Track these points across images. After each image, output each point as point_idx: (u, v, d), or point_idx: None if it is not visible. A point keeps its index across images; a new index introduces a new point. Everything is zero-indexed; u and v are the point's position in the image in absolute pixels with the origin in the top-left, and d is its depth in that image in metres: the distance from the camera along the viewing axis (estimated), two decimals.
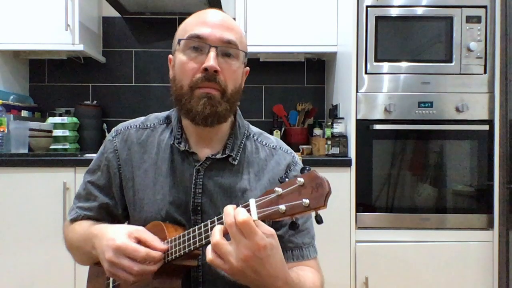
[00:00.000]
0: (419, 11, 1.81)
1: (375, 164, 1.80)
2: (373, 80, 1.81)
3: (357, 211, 1.79)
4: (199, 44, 0.77)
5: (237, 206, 0.63)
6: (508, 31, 1.77)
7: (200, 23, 0.79)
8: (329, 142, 1.92)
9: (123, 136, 0.89)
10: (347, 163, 1.79)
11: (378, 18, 1.80)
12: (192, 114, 0.78)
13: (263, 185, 0.85)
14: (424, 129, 1.80)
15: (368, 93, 1.81)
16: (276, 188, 0.60)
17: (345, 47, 1.97)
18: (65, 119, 2.17)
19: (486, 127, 1.79)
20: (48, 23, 2.05)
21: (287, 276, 0.65)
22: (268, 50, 2.13)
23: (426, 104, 1.79)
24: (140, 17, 2.43)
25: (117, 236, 0.72)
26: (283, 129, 2.39)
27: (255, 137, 0.91)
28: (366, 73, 1.81)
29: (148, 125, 0.90)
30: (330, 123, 1.96)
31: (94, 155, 0.95)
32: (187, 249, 0.70)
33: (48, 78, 2.43)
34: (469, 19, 1.80)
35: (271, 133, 2.24)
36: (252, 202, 0.61)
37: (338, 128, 1.87)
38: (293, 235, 0.84)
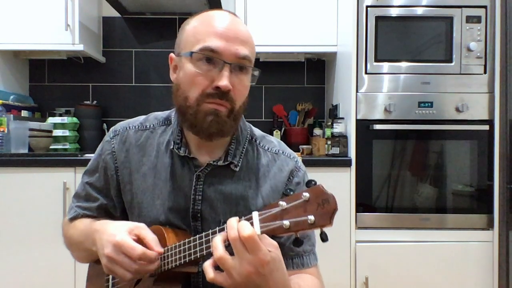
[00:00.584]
0: (419, 11, 1.81)
1: (375, 164, 1.80)
2: (373, 80, 1.81)
3: (357, 211, 1.79)
4: (212, 58, 0.73)
5: (240, 217, 0.61)
6: (508, 31, 1.77)
7: (213, 33, 0.74)
8: (329, 142, 1.92)
9: (122, 137, 0.87)
10: (347, 163, 1.79)
11: (378, 18, 1.80)
12: (197, 130, 0.76)
13: (264, 192, 0.83)
14: (424, 129, 1.80)
15: (368, 93, 1.81)
16: (281, 202, 0.57)
17: (345, 47, 1.97)
18: (65, 119, 2.17)
19: (486, 127, 1.79)
20: (48, 23, 2.05)
21: None
22: (268, 50, 2.13)
23: (426, 104, 1.79)
24: (140, 17, 2.43)
25: (118, 232, 0.71)
26: (283, 129, 2.39)
27: (257, 142, 0.88)
28: (366, 73, 1.81)
29: (148, 126, 0.88)
30: (330, 123, 1.97)
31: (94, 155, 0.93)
32: (187, 258, 0.69)
33: (48, 78, 2.43)
34: (469, 19, 1.80)
35: (271, 133, 2.24)
36: (256, 216, 0.59)
37: (338, 128, 1.87)
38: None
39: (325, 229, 0.56)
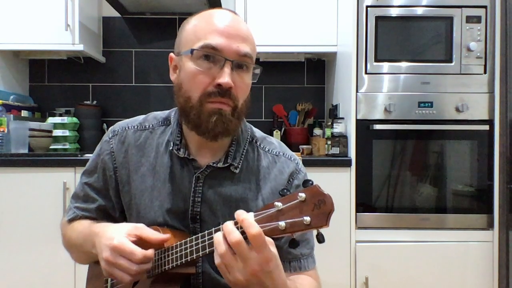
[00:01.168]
0: (419, 11, 1.81)
1: (375, 164, 1.80)
2: (373, 80, 1.81)
3: (357, 211, 1.79)
4: (213, 55, 0.73)
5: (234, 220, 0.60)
6: (508, 31, 1.77)
7: (214, 31, 0.73)
8: (329, 142, 1.92)
9: (120, 138, 0.86)
10: (347, 163, 1.79)
11: (378, 18, 1.80)
12: (202, 130, 0.75)
13: (265, 194, 0.82)
14: (424, 129, 1.80)
15: (368, 93, 1.81)
16: (276, 203, 0.57)
17: (345, 47, 1.97)
18: (65, 119, 2.17)
19: (486, 127, 1.79)
20: (48, 23, 2.05)
21: (287, 286, 0.64)
22: (268, 50, 2.13)
23: (426, 104, 1.79)
24: (140, 17, 2.43)
25: (116, 235, 0.70)
26: (283, 129, 2.39)
27: (258, 143, 0.87)
28: (366, 73, 1.81)
29: (147, 126, 0.86)
30: (330, 123, 1.96)
31: None
32: (184, 259, 0.68)
33: (48, 78, 2.43)
34: (469, 19, 1.80)
35: (271, 133, 2.24)
36: (251, 216, 0.58)
37: (338, 128, 1.87)
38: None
39: (323, 230, 0.55)
